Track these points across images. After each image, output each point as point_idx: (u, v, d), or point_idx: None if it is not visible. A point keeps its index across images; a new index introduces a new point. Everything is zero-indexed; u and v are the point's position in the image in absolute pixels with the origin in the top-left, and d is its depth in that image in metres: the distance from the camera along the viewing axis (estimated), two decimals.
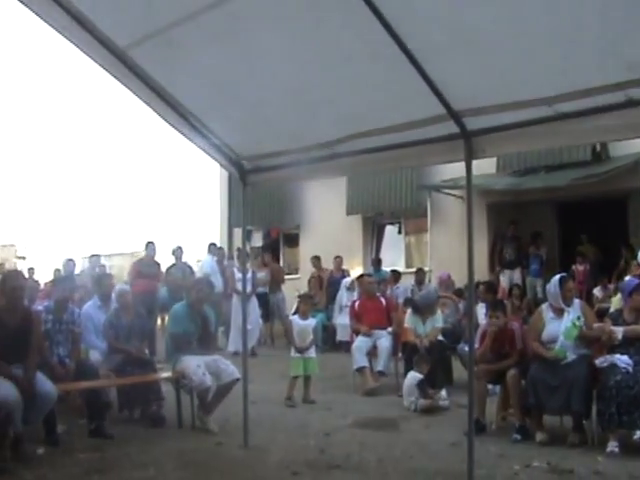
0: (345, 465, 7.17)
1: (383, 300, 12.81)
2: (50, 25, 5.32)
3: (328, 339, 16.95)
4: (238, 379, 8.59)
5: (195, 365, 8.74)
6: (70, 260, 17.68)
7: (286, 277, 19.96)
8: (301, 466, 7.10)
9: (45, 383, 7.48)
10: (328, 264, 18.71)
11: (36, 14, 5.20)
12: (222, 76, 5.91)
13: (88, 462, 7.21)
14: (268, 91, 5.99)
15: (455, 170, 14.16)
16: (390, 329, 12.06)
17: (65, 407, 8.41)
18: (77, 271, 17.86)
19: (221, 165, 7.82)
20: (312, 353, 10.77)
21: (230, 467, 7.17)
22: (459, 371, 11.00)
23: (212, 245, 18.83)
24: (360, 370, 11.65)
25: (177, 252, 17.21)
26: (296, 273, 22.67)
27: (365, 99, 5.72)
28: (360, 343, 11.89)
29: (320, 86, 5.75)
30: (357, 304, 12.71)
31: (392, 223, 22.38)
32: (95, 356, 9.51)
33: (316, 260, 19.49)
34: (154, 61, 5.86)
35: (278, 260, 23.32)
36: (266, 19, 5.03)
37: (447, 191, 19.01)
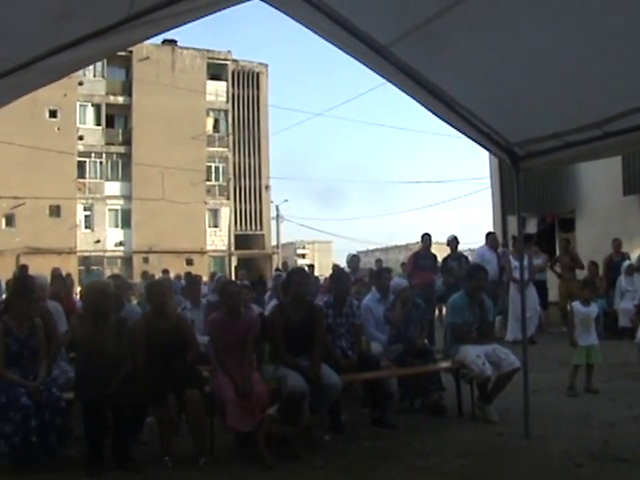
0: (632, 459, 6.86)
1: None
2: (315, 32, 5.60)
3: (609, 326, 16.29)
4: (518, 368, 8.49)
5: (475, 355, 8.75)
6: (355, 256, 18.15)
7: None
8: (585, 458, 6.91)
9: (331, 374, 7.84)
10: (606, 247, 17.94)
11: (302, 23, 5.49)
12: (486, 63, 5.87)
13: (371, 450, 7.47)
14: (534, 74, 5.86)
15: None
16: None
17: (348, 397, 8.71)
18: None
19: (492, 153, 7.80)
20: (595, 341, 10.42)
21: (511, 457, 7.12)
22: None
23: (490, 234, 18.51)
24: None
25: (452, 242, 17.18)
26: None
27: (637, 72, 5.44)
28: None
29: (588, 64, 5.54)
30: None
31: None
32: (376, 348, 9.76)
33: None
34: (417, 55, 5.96)
35: (554, 246, 22.70)
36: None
37: None
